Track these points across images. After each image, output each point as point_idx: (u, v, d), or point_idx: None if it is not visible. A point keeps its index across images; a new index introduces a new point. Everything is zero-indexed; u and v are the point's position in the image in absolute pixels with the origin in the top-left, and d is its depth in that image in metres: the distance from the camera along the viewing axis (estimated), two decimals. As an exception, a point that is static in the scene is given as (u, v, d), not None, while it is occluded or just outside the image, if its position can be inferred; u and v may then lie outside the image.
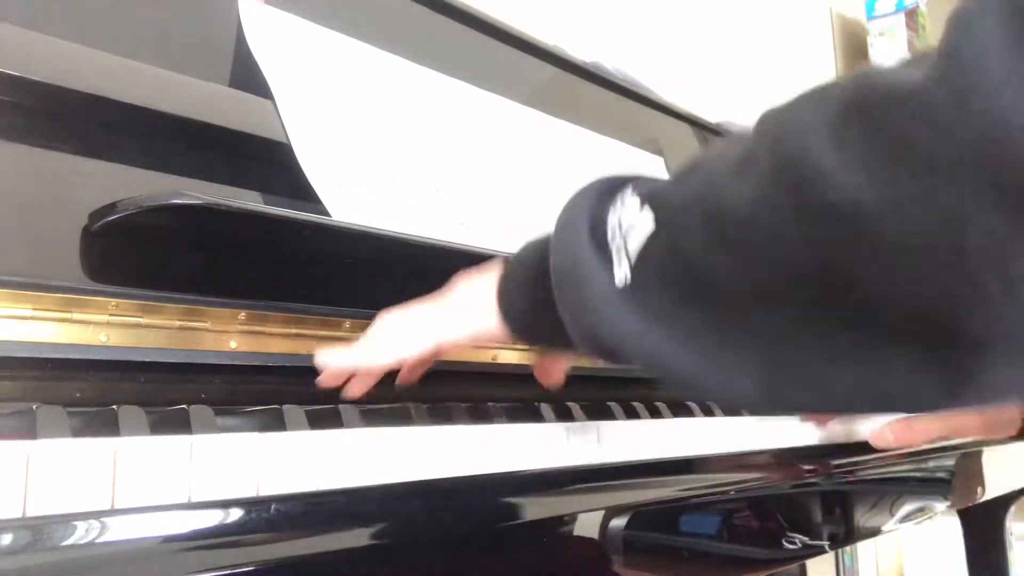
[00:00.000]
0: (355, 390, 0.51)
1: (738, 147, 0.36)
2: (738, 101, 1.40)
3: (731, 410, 0.65)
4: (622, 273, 0.39)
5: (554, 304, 0.42)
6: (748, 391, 0.37)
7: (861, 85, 0.31)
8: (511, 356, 0.65)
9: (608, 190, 0.43)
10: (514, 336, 0.48)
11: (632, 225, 0.39)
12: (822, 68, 1.99)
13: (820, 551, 0.67)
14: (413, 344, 0.50)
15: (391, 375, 0.57)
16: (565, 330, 0.42)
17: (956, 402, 0.33)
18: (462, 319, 0.50)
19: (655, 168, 1.01)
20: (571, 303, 0.41)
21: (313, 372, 0.52)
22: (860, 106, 0.31)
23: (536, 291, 0.44)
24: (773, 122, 0.35)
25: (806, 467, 0.65)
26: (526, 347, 0.66)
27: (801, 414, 0.38)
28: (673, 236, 0.37)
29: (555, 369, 0.57)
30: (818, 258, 0.32)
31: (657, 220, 0.38)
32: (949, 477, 0.90)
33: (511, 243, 0.66)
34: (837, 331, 0.34)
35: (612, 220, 0.40)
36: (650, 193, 0.40)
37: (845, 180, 0.30)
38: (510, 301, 0.47)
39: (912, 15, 1.96)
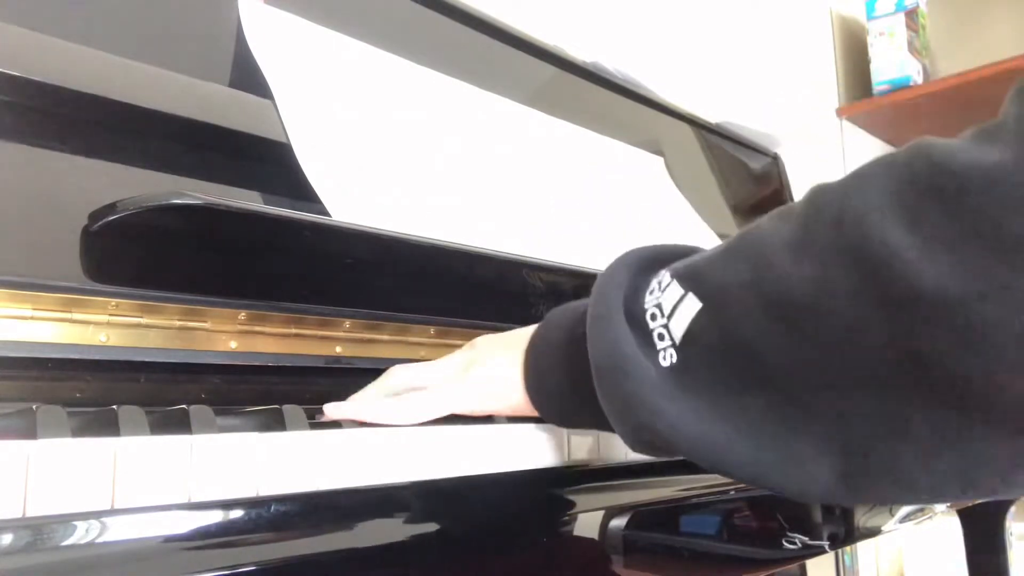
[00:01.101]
0: None
1: (790, 224, 0.35)
2: (738, 101, 1.40)
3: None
4: (667, 355, 0.37)
5: (590, 388, 0.40)
6: (824, 482, 0.34)
7: (929, 163, 0.30)
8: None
9: (641, 268, 0.41)
10: (545, 418, 0.46)
11: (675, 306, 0.37)
12: (822, 68, 1.99)
13: (820, 551, 0.67)
14: (426, 410, 0.47)
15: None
16: (603, 415, 0.40)
17: (1014, 492, 0.33)
18: (483, 393, 0.48)
19: (655, 167, 1.01)
20: (615, 395, 0.39)
21: (313, 372, 0.53)
22: (933, 187, 0.29)
23: (570, 374, 0.43)
24: (831, 198, 0.33)
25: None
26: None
27: (886, 505, 0.36)
28: (723, 316, 0.35)
29: None
30: (900, 344, 0.31)
31: (703, 300, 0.36)
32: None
33: (511, 243, 0.66)
34: (923, 418, 0.32)
35: (650, 303, 0.39)
36: (691, 273, 0.38)
37: (926, 265, 0.29)
38: (540, 382, 0.45)
39: (912, 15, 1.96)
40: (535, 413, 0.47)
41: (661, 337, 0.37)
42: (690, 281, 0.37)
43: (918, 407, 0.32)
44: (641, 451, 0.41)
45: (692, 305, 0.37)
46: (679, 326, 0.37)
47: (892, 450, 0.33)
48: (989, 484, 0.32)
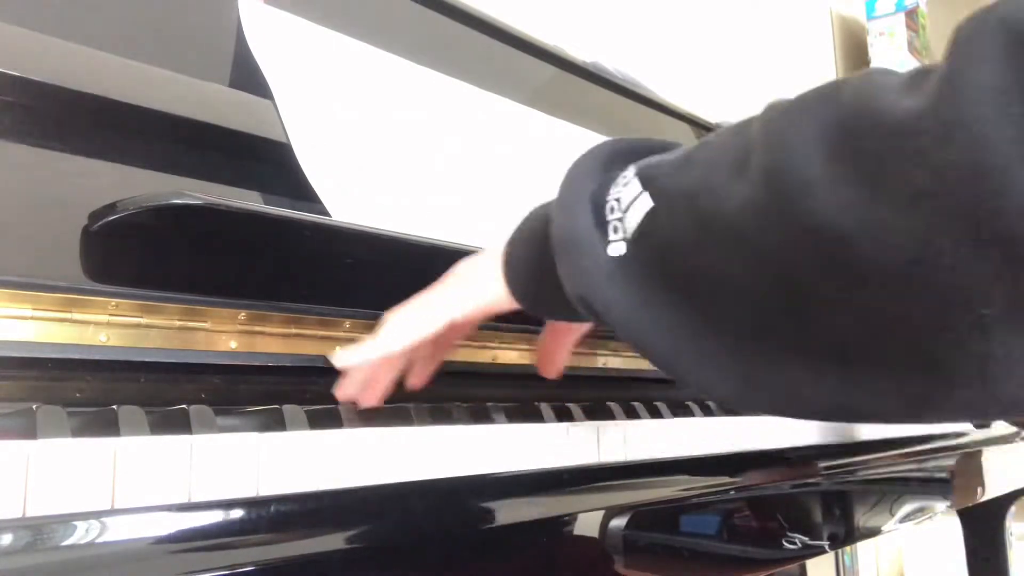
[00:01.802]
0: (368, 398, 0.51)
1: (738, 142, 0.37)
2: (738, 101, 1.40)
3: (731, 410, 0.65)
4: (617, 246, 0.39)
5: (555, 271, 0.43)
6: (723, 386, 0.38)
7: (859, 100, 0.31)
8: (511, 356, 0.65)
9: (611, 161, 0.43)
10: (519, 302, 0.49)
11: (631, 203, 0.39)
12: (822, 68, 1.99)
13: (820, 551, 0.67)
14: (426, 324, 0.50)
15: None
16: (566, 297, 0.42)
17: (917, 421, 0.35)
18: (470, 291, 0.50)
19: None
20: (567, 267, 0.42)
21: (313, 372, 0.52)
22: (855, 125, 0.31)
23: (540, 259, 0.45)
24: (774, 124, 0.35)
25: (807, 467, 0.65)
26: (527, 347, 0.66)
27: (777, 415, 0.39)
28: (667, 222, 0.38)
29: (558, 352, 0.57)
30: (793, 269, 0.33)
31: (655, 200, 0.39)
32: (949, 477, 0.91)
33: (511, 243, 0.66)
34: (807, 343, 0.34)
35: (612, 195, 0.41)
36: (649, 174, 0.40)
37: (829, 198, 0.31)
38: (515, 269, 0.48)
39: (912, 15, 1.96)
40: (514, 304, 0.48)
41: (616, 229, 0.40)
42: (647, 181, 0.40)
43: (804, 332, 0.34)
44: (584, 318, 0.43)
45: (645, 204, 0.39)
46: (632, 221, 0.39)
47: (782, 367, 0.35)
48: (867, 412, 0.35)
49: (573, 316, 0.44)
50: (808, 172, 0.31)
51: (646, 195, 0.39)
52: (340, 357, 0.50)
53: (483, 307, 0.50)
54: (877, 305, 0.31)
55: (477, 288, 0.50)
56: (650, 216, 0.38)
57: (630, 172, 0.41)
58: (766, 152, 0.34)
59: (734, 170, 0.35)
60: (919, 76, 0.31)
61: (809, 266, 0.32)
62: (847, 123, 0.31)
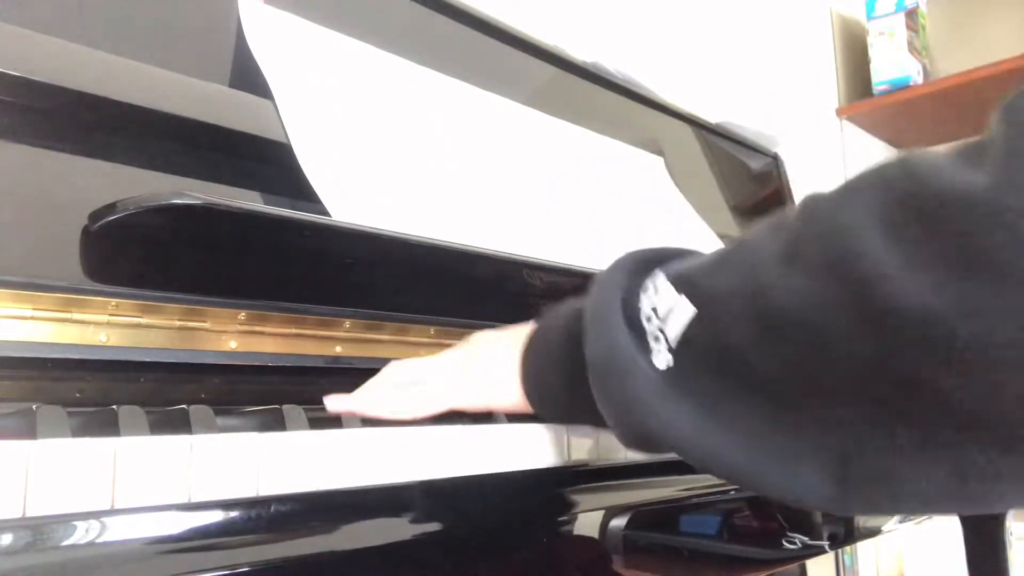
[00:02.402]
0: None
1: (781, 236, 0.35)
2: (738, 101, 1.40)
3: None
4: (663, 358, 0.38)
5: (586, 387, 0.41)
6: (818, 487, 0.35)
7: (913, 181, 0.30)
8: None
9: (637, 271, 0.42)
10: (540, 415, 0.47)
11: (670, 310, 0.38)
12: (822, 68, 1.99)
13: (820, 551, 0.67)
14: (426, 405, 0.48)
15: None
16: (599, 413, 0.41)
17: None
18: (480, 391, 0.48)
19: (655, 167, 1.01)
20: (612, 395, 0.39)
21: (313, 372, 0.53)
22: (917, 207, 0.30)
23: (567, 374, 0.43)
24: (821, 213, 0.33)
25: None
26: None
27: (879, 515, 0.36)
28: (717, 324, 0.36)
29: None
30: (881, 357, 0.31)
31: (697, 305, 0.37)
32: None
33: (511, 243, 0.66)
34: (907, 429, 0.32)
35: (646, 305, 0.39)
36: (685, 278, 0.38)
37: (908, 284, 0.29)
38: (537, 381, 0.46)
39: (912, 15, 1.96)
40: (532, 410, 0.47)
41: (656, 339, 0.38)
42: (684, 286, 0.38)
43: (901, 419, 0.32)
44: (635, 449, 0.42)
45: (686, 310, 0.37)
46: (674, 330, 0.37)
47: (880, 460, 0.33)
48: (979, 498, 0.32)
49: (601, 426, 0.42)
50: (877, 258, 0.30)
51: (685, 301, 0.37)
52: (332, 402, 0.48)
53: (493, 408, 0.49)
54: (984, 383, 0.29)
55: (490, 391, 0.48)
56: (696, 322, 0.37)
57: (660, 279, 0.40)
58: (820, 241, 0.33)
59: (783, 265, 0.34)
60: (972, 151, 0.30)
61: (902, 352, 0.30)
62: (907, 202, 0.30)
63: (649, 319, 0.39)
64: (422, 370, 0.50)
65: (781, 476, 0.35)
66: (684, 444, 0.37)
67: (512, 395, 0.47)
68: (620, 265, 0.43)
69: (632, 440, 0.41)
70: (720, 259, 0.38)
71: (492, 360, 0.49)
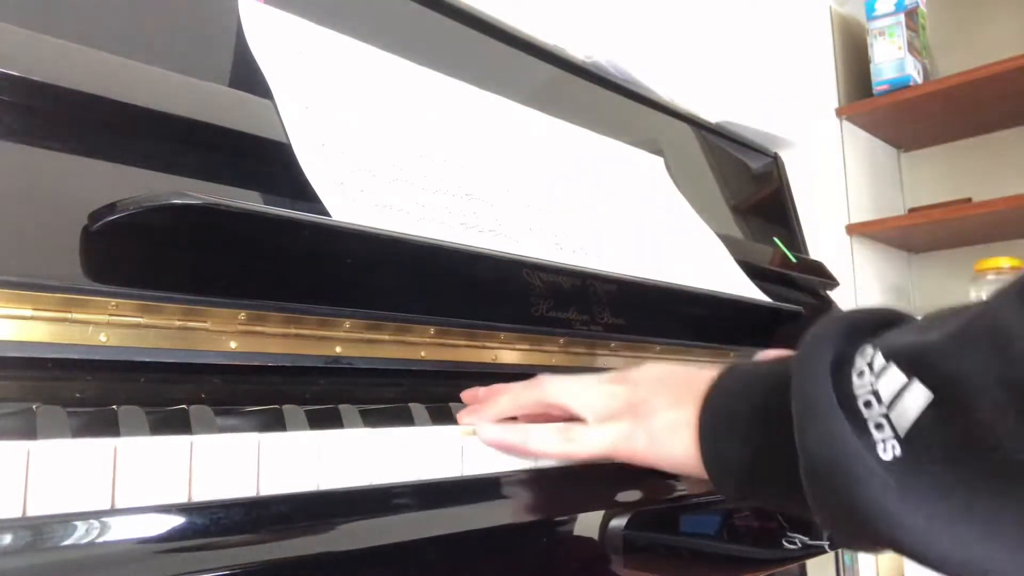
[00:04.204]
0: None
1: None
2: (738, 101, 1.40)
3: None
4: (888, 447, 0.34)
5: (778, 468, 0.38)
6: None
7: None
8: (512, 356, 0.65)
9: (844, 344, 0.38)
10: (717, 488, 0.44)
11: (896, 395, 0.34)
12: (822, 68, 1.99)
13: (820, 551, 0.67)
14: (586, 446, 0.46)
15: (387, 373, 0.57)
16: (791, 496, 0.38)
17: None
18: (649, 446, 0.45)
19: (655, 167, 1.01)
20: (837, 499, 0.36)
21: (313, 372, 0.52)
22: None
23: (755, 451, 0.41)
24: None
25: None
26: (527, 347, 0.66)
27: None
28: (965, 411, 0.32)
29: None
30: None
31: (935, 390, 0.33)
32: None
33: (510, 243, 0.66)
34: None
35: (862, 389, 0.36)
36: (914, 357, 0.35)
37: None
38: (718, 453, 0.43)
39: (912, 15, 1.96)
40: (703, 476, 0.45)
41: (879, 427, 0.35)
42: (915, 367, 0.34)
43: None
44: (855, 550, 0.39)
45: (920, 395, 0.34)
46: (904, 417, 0.34)
47: None
48: None
49: (791, 510, 0.39)
50: None
51: (919, 384, 0.34)
52: (482, 430, 0.46)
53: (655, 465, 0.46)
54: None
55: (660, 450, 0.45)
56: (932, 408, 0.33)
57: (877, 358, 0.36)
58: None
59: None
60: None
61: None
62: None
63: (869, 404, 0.35)
64: (577, 398, 0.47)
65: None
66: (936, 553, 0.33)
67: (681, 457, 0.44)
68: (823, 337, 0.38)
69: (854, 544, 0.38)
70: (959, 335, 0.34)
71: (661, 414, 0.46)
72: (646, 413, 0.46)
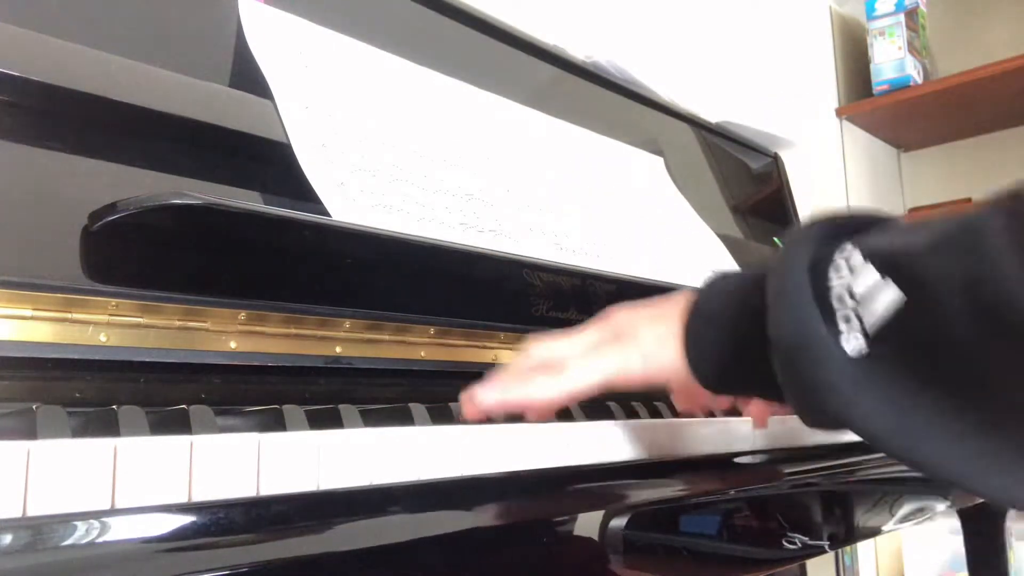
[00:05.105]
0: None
1: (1011, 224, 0.32)
2: (738, 101, 1.40)
3: (732, 411, 0.65)
4: (854, 344, 0.36)
5: (759, 360, 0.39)
6: (1019, 488, 0.33)
7: None
8: (512, 356, 0.65)
9: (825, 242, 0.39)
10: (705, 385, 0.46)
11: (869, 293, 0.35)
12: (822, 68, 1.99)
13: (820, 551, 0.67)
14: (583, 375, 0.46)
15: (387, 373, 0.57)
16: (769, 384, 0.39)
17: None
18: (640, 352, 0.46)
19: (655, 167, 1.01)
20: (801, 380, 0.38)
21: (313, 372, 0.53)
22: None
23: (737, 344, 0.42)
24: None
25: (806, 467, 0.65)
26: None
27: None
28: (931, 315, 0.34)
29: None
30: None
31: (908, 292, 0.34)
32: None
33: (510, 243, 0.66)
34: None
35: (837, 283, 0.37)
36: (888, 258, 0.36)
37: None
38: (702, 351, 0.45)
39: (912, 15, 1.96)
40: (691, 380, 0.45)
41: (847, 320, 0.36)
42: (890, 268, 0.35)
43: None
44: (818, 428, 0.40)
45: (892, 295, 0.35)
46: (873, 315, 0.35)
47: None
48: None
49: (769, 397, 0.41)
50: None
51: (892, 285, 0.35)
52: (475, 396, 0.47)
53: (653, 374, 0.47)
54: None
55: (649, 352, 0.46)
56: (901, 309, 0.34)
57: (855, 256, 0.37)
58: None
59: (1017, 254, 0.31)
60: None
61: None
62: None
63: (841, 299, 0.36)
64: (561, 347, 0.48)
65: (999, 477, 0.34)
66: (881, 435, 0.35)
67: (669, 360, 0.45)
68: (806, 235, 0.40)
69: (817, 423, 0.39)
70: (932, 241, 0.35)
71: (643, 331, 0.47)
72: (633, 335, 0.47)
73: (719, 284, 0.46)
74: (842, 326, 0.36)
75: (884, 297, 0.35)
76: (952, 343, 0.33)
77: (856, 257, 0.37)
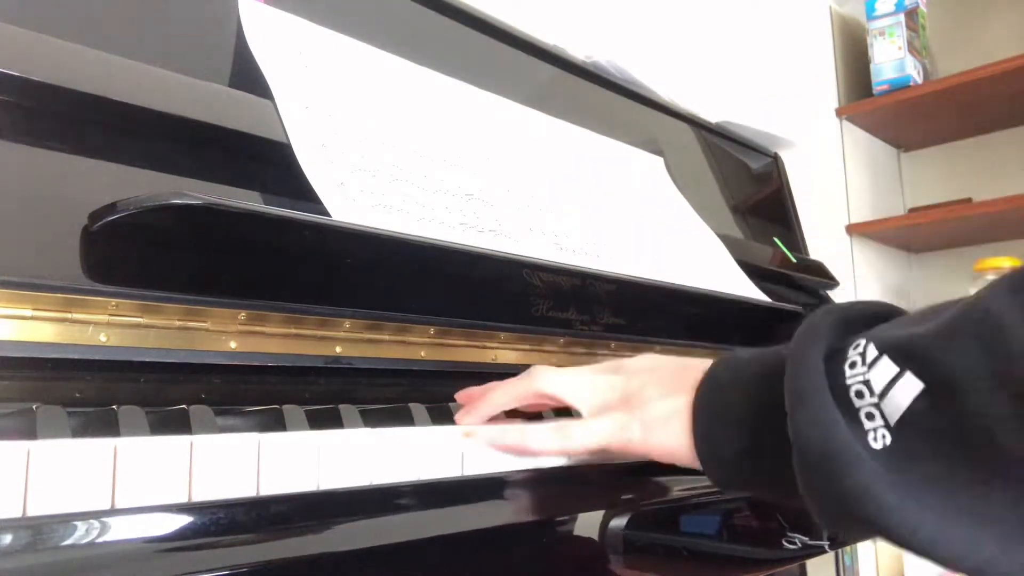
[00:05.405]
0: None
1: (1011, 299, 0.32)
2: (738, 101, 1.41)
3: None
4: (878, 435, 0.35)
5: (772, 460, 0.39)
6: None
7: None
8: (511, 356, 0.65)
9: (836, 336, 0.39)
10: (715, 482, 0.45)
11: (888, 385, 0.35)
12: (822, 68, 1.99)
13: (820, 551, 0.67)
14: (582, 438, 0.46)
15: (387, 373, 0.57)
16: (783, 485, 0.39)
17: None
18: (643, 436, 0.45)
19: (655, 167, 1.01)
20: (829, 487, 0.36)
21: (313, 372, 0.53)
22: None
23: (750, 443, 0.41)
24: None
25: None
26: (527, 347, 0.66)
27: None
28: (955, 402, 0.33)
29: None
30: None
31: (927, 382, 0.34)
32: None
33: (510, 243, 0.66)
34: None
35: (854, 379, 0.36)
36: (905, 350, 0.35)
37: None
38: (712, 444, 0.43)
39: (912, 15, 1.96)
40: (696, 466, 0.45)
41: (870, 417, 0.36)
42: (906, 360, 0.35)
43: None
44: (837, 531, 0.40)
45: (912, 385, 0.35)
46: (895, 407, 0.35)
47: None
48: None
49: (784, 498, 0.40)
50: None
51: (910, 376, 0.35)
52: (481, 435, 0.46)
53: (648, 454, 0.46)
54: None
55: (653, 440, 0.45)
56: (922, 398, 0.34)
57: (870, 350, 0.37)
58: None
59: None
60: None
61: None
62: None
63: (860, 394, 0.36)
64: (570, 391, 0.48)
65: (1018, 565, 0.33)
66: (906, 531, 0.34)
67: (675, 447, 0.45)
68: (816, 329, 0.39)
69: (841, 525, 0.38)
70: (949, 329, 0.34)
71: (655, 404, 0.46)
72: (640, 404, 0.46)
73: (729, 372, 0.45)
74: (865, 423, 0.36)
75: (903, 388, 0.35)
76: (984, 432, 0.32)
77: (871, 350, 0.36)
